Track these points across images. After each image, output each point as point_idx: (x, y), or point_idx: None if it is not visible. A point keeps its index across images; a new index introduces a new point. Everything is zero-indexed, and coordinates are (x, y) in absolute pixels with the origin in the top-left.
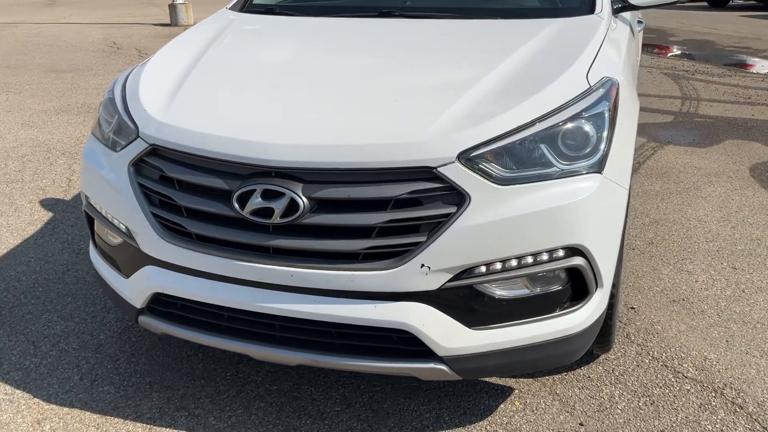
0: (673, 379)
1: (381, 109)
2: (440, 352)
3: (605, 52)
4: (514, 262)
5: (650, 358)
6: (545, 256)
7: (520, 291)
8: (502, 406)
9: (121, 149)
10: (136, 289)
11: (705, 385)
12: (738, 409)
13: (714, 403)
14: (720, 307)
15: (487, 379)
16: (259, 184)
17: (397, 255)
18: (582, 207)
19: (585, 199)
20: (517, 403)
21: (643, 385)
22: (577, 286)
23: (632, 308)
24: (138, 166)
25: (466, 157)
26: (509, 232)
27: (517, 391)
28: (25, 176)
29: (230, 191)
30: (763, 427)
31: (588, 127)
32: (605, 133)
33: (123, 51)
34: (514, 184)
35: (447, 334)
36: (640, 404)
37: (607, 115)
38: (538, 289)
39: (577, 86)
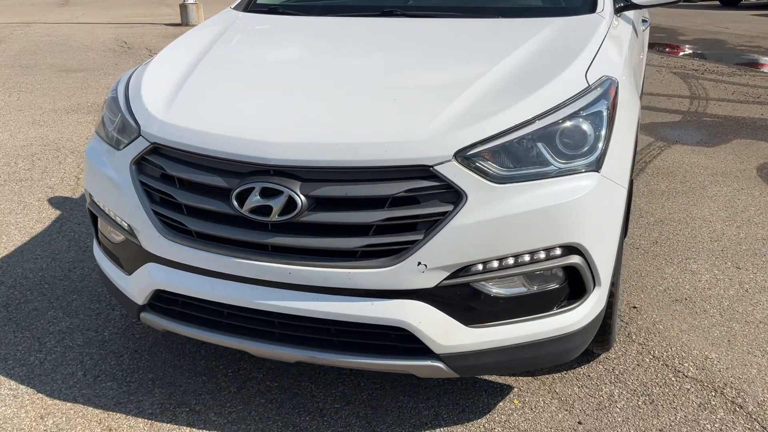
0: (673, 379)
1: (379, 107)
2: (437, 350)
3: (605, 51)
4: (511, 261)
5: (651, 357)
6: (542, 255)
7: (517, 289)
8: (500, 404)
9: (124, 147)
10: (137, 285)
11: (705, 384)
12: (738, 409)
13: (713, 403)
14: (723, 306)
15: (486, 377)
16: (258, 183)
17: (394, 253)
18: (579, 205)
19: (582, 197)
20: (516, 402)
21: (643, 384)
22: (574, 285)
23: (634, 307)
24: (140, 164)
25: (463, 156)
26: (506, 230)
27: (516, 390)
28: (35, 174)
29: (229, 189)
30: (762, 426)
31: (586, 126)
32: (603, 132)
33: (134, 51)
34: (511, 183)
35: (444, 332)
36: (639, 403)
37: (605, 113)
38: (535, 288)
39: (575, 85)
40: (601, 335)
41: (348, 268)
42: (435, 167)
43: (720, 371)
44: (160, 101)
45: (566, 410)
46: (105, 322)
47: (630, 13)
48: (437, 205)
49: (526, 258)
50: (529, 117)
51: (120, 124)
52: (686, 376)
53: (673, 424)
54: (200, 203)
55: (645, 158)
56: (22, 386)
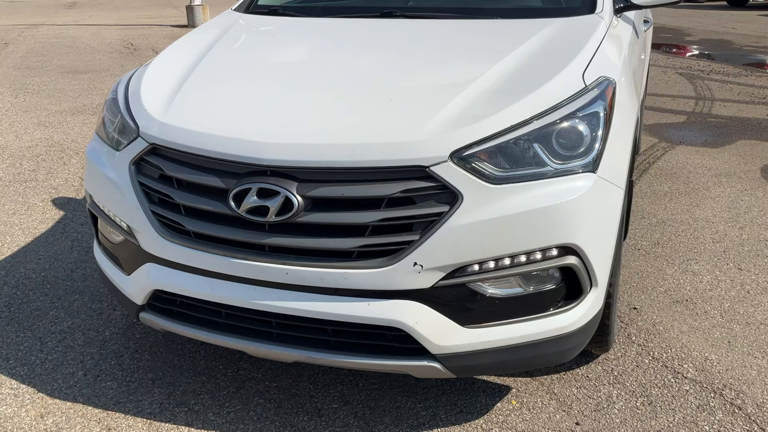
0: (672, 380)
1: (375, 108)
2: (433, 350)
3: (603, 52)
4: (507, 261)
5: (650, 358)
6: (538, 255)
7: (514, 290)
8: (498, 404)
9: (123, 148)
10: (136, 286)
11: (704, 385)
12: (737, 410)
13: (712, 404)
14: (723, 308)
15: (484, 378)
16: (255, 183)
17: (391, 253)
18: (575, 206)
19: (578, 198)
20: (513, 402)
21: (642, 385)
22: (571, 285)
23: (635, 308)
24: (138, 165)
25: (459, 156)
26: (502, 231)
27: (514, 390)
28: (39, 175)
29: (227, 190)
30: (761, 428)
31: (582, 127)
32: (600, 133)
33: (140, 52)
34: (507, 183)
35: (440, 332)
36: (638, 404)
37: (602, 114)
38: (532, 288)
39: (572, 86)
40: (599, 336)
41: (344, 268)
42: (431, 168)
43: (719, 373)
44: (158, 102)
45: (564, 411)
46: (106, 322)
47: (630, 14)
48: (433, 206)
49: (523, 258)
50: (526, 118)
51: (120, 125)
52: (685, 378)
53: (671, 425)
54: (198, 204)
55: (648, 159)
56: (23, 385)
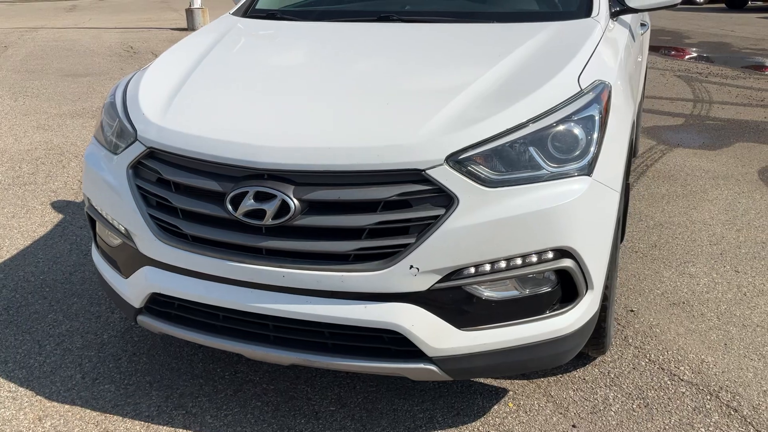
0: (668, 382)
1: (372, 112)
2: (430, 353)
3: (599, 56)
4: (503, 264)
5: (647, 360)
6: (534, 258)
7: (510, 292)
8: (495, 407)
9: (121, 152)
10: (134, 289)
11: (700, 388)
12: (732, 412)
13: (708, 406)
14: (720, 310)
15: (481, 381)
16: (252, 187)
17: (387, 256)
18: (570, 209)
19: (574, 201)
20: (510, 405)
21: (638, 387)
22: (566, 288)
23: (632, 311)
24: (136, 168)
25: (455, 160)
26: (498, 234)
27: (511, 393)
28: (38, 179)
29: (224, 193)
30: (757, 430)
31: (577, 130)
32: (595, 136)
33: (139, 55)
34: (503, 187)
35: (436, 335)
36: (634, 406)
37: (597, 118)
38: (528, 291)
39: (568, 89)
40: (595, 338)
41: (341, 271)
42: (427, 171)
43: (716, 375)
44: (156, 106)
45: (561, 413)
46: (104, 325)
47: (627, 17)
48: (429, 209)
49: (518, 261)
50: (521, 121)
51: (118, 129)
52: (682, 380)
53: (667, 427)
54: (195, 207)
55: (646, 162)
56: (21, 388)
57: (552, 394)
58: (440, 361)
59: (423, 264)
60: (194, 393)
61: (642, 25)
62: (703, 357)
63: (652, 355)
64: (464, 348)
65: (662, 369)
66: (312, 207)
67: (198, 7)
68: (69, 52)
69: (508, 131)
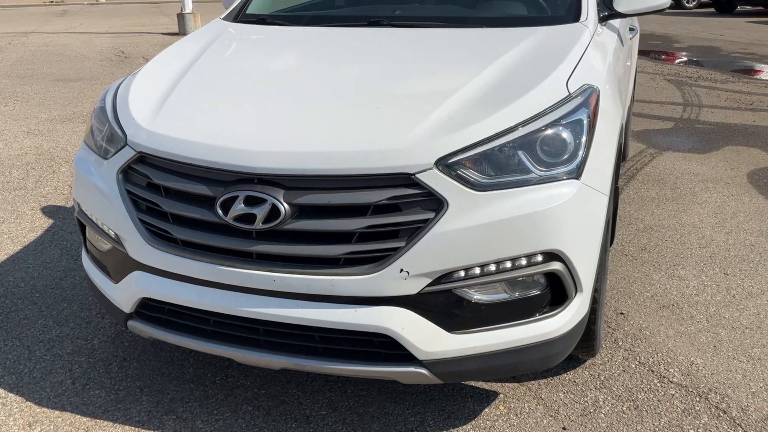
0: (658, 384)
1: (362, 116)
2: (420, 356)
3: (588, 60)
4: (492, 267)
5: (637, 363)
6: (523, 261)
7: (499, 295)
8: (486, 410)
9: (111, 157)
10: (124, 294)
11: (690, 389)
12: (721, 414)
13: (698, 408)
14: (709, 312)
15: (472, 383)
16: (242, 191)
17: (377, 260)
18: (559, 212)
19: (562, 204)
20: (501, 408)
21: (628, 389)
22: (556, 291)
23: (621, 314)
24: (126, 173)
25: (444, 164)
26: (487, 237)
27: (501, 396)
28: (28, 184)
29: (214, 198)
30: (745, 431)
31: (566, 134)
32: (584, 140)
33: (130, 60)
34: (492, 190)
35: (427, 339)
36: (624, 409)
37: (585, 122)
38: (517, 294)
39: (556, 94)
40: (585, 341)
41: (331, 275)
42: (416, 175)
43: (705, 377)
44: (146, 111)
45: (551, 416)
46: (95, 330)
47: (615, 22)
48: (419, 213)
49: (508, 264)
50: (510, 125)
51: (107, 134)
52: (671, 382)
53: (657, 429)
54: (185, 212)
55: (636, 165)
56: (11, 394)
57: (542, 396)
58: (431, 365)
59: (413, 267)
60: (185, 398)
61: (631, 29)
62: (692, 359)
63: (642, 358)
64: (455, 351)
65: (652, 371)
66: (302, 211)
67: (189, 11)
68: (60, 56)
69: (497, 135)
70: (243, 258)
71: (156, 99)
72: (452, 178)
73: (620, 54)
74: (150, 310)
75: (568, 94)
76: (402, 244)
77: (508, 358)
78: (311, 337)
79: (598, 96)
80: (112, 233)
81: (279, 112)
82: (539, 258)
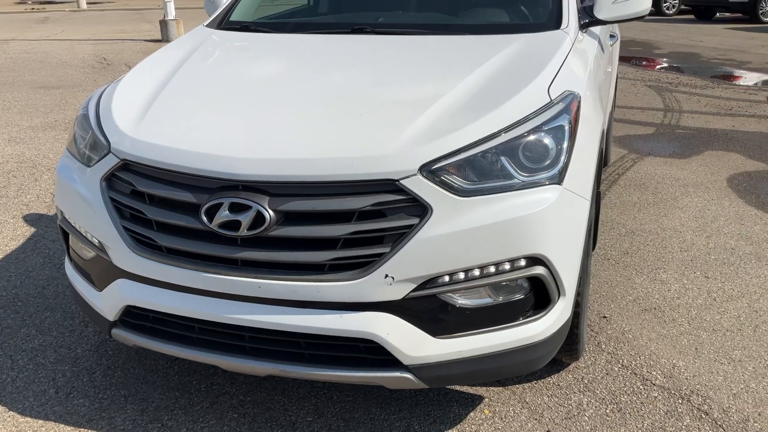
0: (641, 387)
1: (346, 123)
2: (406, 361)
3: (568, 67)
4: (476, 272)
5: (620, 366)
6: (507, 266)
7: (483, 300)
8: (471, 414)
9: (94, 164)
10: (108, 302)
11: (672, 392)
12: (703, 415)
13: (680, 410)
14: (691, 315)
15: (457, 388)
16: (227, 198)
17: (362, 266)
18: (542, 217)
19: (545, 209)
20: (486, 411)
21: (612, 392)
22: (539, 295)
23: (604, 317)
24: (110, 180)
25: (428, 170)
26: (471, 242)
27: (486, 399)
28: (10, 192)
29: (199, 205)
30: None
31: (548, 140)
32: (565, 146)
33: (113, 67)
34: (476, 196)
35: (412, 343)
36: (608, 411)
37: (567, 128)
38: (501, 298)
39: (538, 100)
40: (569, 345)
41: (316, 281)
42: (401, 181)
43: (687, 379)
44: (130, 118)
45: (535, 419)
46: (78, 338)
47: (596, 29)
48: (403, 219)
49: (492, 269)
50: (493, 131)
51: (91, 141)
52: (654, 385)
53: (640, 431)
54: (170, 219)
55: (618, 170)
56: None
57: (527, 400)
58: (416, 369)
59: (398, 273)
60: (170, 406)
61: (611, 36)
62: (674, 362)
63: (625, 361)
64: (440, 356)
65: (635, 374)
66: (287, 217)
67: (172, 18)
68: (41, 64)
69: (480, 141)
70: (228, 265)
71: (140, 106)
72: (436, 184)
73: (601, 61)
74: (134, 317)
75: (549, 100)
76: (387, 249)
77: (492, 362)
78: (297, 343)
79: (579, 102)
80: (95, 241)
81: (263, 119)
82: (522, 262)
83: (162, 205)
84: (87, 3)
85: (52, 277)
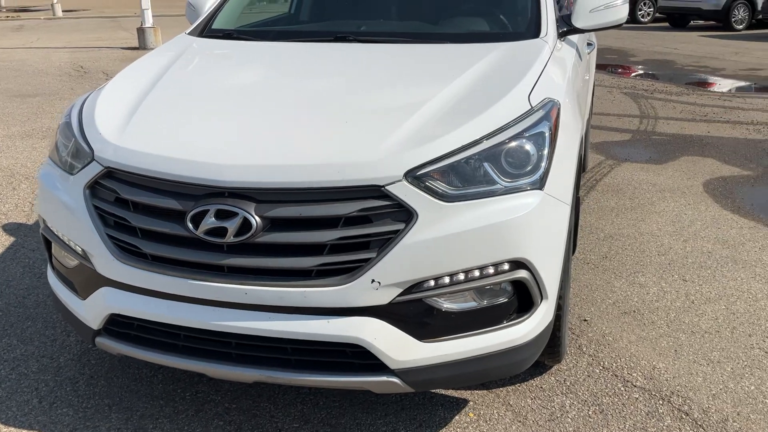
0: (622, 388)
1: (331, 130)
2: (392, 365)
3: (548, 75)
4: (461, 276)
5: (601, 368)
6: (491, 270)
7: (468, 304)
8: (456, 417)
9: (77, 172)
10: (92, 310)
11: (653, 393)
12: (684, 416)
13: (661, 411)
14: (670, 317)
15: (442, 391)
16: (212, 205)
17: (349, 271)
18: (524, 222)
19: (527, 214)
20: (471, 414)
21: (594, 394)
22: (522, 299)
23: (585, 320)
24: (93, 188)
25: (413, 176)
26: (456, 247)
27: (471, 403)
28: None
29: (184, 212)
30: None
31: (529, 146)
32: (546, 152)
33: (90, 75)
34: (460, 201)
35: (398, 348)
36: (590, 413)
37: (547, 134)
38: (485, 302)
39: (519, 107)
40: (551, 347)
41: (303, 287)
42: (386, 187)
43: (667, 380)
44: (113, 126)
45: (519, 422)
46: (60, 348)
47: (574, 37)
48: (389, 224)
49: (476, 273)
50: (476, 138)
51: (73, 149)
52: (635, 386)
53: None
54: (155, 226)
55: (596, 176)
56: None
57: (511, 403)
58: (402, 373)
59: (384, 278)
60: (155, 414)
61: (589, 44)
62: (654, 363)
63: (606, 363)
64: (425, 359)
65: (616, 376)
66: (274, 224)
67: (150, 26)
68: (17, 72)
69: (463, 148)
70: (214, 271)
71: (123, 114)
72: (421, 189)
73: (579, 68)
74: (119, 326)
75: (530, 107)
76: (373, 255)
77: (477, 364)
78: (284, 349)
79: (559, 109)
80: (79, 249)
81: (248, 126)
82: (506, 266)
83: (147, 212)
84: (62, 11)
85: (33, 286)
